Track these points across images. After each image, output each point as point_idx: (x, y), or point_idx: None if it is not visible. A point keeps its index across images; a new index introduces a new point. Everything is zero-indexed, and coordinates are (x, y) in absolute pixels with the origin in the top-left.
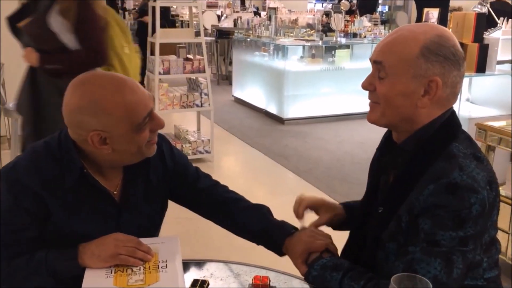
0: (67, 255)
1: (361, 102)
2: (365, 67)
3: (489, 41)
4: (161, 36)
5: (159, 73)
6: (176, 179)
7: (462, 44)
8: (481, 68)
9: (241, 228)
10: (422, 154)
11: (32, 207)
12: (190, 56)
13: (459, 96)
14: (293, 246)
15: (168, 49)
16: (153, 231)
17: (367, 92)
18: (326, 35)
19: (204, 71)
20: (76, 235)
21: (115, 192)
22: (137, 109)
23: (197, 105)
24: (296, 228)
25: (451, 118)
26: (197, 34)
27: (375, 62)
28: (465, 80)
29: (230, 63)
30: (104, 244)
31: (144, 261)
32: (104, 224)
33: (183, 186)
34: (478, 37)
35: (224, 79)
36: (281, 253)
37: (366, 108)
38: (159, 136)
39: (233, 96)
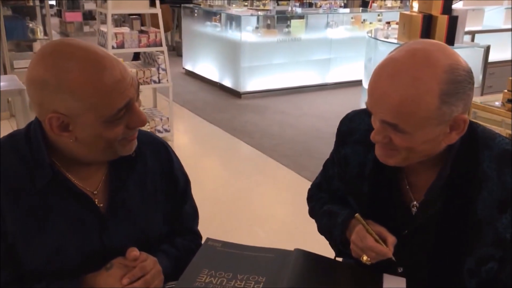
0: None
1: (318, 74)
2: (321, 37)
3: (457, 13)
4: (113, 6)
5: (112, 47)
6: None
7: (431, 17)
8: (450, 40)
9: None
10: (462, 167)
11: None
12: (145, 28)
13: None
14: None
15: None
16: (152, 248)
17: (324, 63)
18: (278, 4)
19: (161, 45)
20: (45, 254)
21: (95, 193)
22: (112, 97)
23: (155, 81)
24: None
25: None
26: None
27: (386, 123)
28: None
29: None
30: None
31: None
32: (82, 236)
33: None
34: (447, 9)
35: (171, 50)
36: None
37: (323, 80)
38: (162, 143)
39: (184, 68)
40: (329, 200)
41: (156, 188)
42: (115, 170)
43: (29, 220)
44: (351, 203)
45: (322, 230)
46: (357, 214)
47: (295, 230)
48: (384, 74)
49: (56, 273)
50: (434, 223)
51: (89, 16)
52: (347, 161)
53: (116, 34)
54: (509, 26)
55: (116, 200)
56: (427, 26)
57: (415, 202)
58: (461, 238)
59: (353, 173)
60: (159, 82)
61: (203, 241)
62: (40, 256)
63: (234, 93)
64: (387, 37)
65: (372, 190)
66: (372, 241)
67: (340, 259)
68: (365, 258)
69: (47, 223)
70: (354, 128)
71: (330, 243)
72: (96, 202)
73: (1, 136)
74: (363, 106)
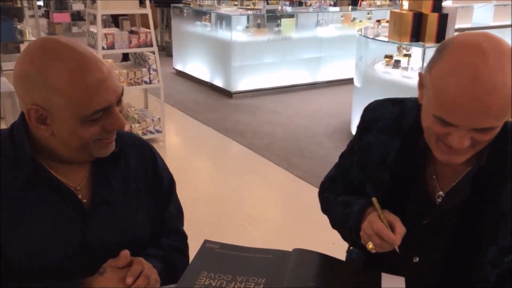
0: None
1: (308, 73)
2: (311, 36)
3: (447, 10)
4: (103, 6)
5: (103, 48)
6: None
7: (421, 14)
8: (440, 38)
9: None
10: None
11: None
12: (135, 29)
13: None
14: None
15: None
16: (137, 247)
17: (314, 62)
18: (268, 3)
19: (151, 45)
20: (26, 249)
21: (78, 188)
22: (90, 99)
23: (146, 82)
24: None
25: None
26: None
27: (479, 129)
28: (428, 51)
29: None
30: None
31: None
32: (64, 232)
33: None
34: (437, 7)
35: (161, 50)
36: None
37: (314, 79)
38: (146, 144)
39: (174, 68)
40: (343, 191)
41: (140, 186)
42: (99, 167)
43: (9, 215)
44: (369, 192)
45: (334, 221)
46: (374, 198)
47: (288, 230)
48: (467, 83)
49: (37, 270)
50: (456, 213)
51: (77, 17)
52: (370, 149)
53: (106, 35)
54: (497, 23)
55: (99, 196)
56: (418, 24)
57: (441, 192)
58: (484, 228)
59: (375, 162)
60: (150, 82)
61: (201, 243)
62: (21, 251)
63: (225, 93)
64: (377, 35)
65: (394, 179)
66: (381, 225)
67: (340, 258)
68: (370, 245)
69: (28, 218)
70: (378, 117)
71: (342, 235)
72: (80, 198)
73: None
74: (355, 104)
